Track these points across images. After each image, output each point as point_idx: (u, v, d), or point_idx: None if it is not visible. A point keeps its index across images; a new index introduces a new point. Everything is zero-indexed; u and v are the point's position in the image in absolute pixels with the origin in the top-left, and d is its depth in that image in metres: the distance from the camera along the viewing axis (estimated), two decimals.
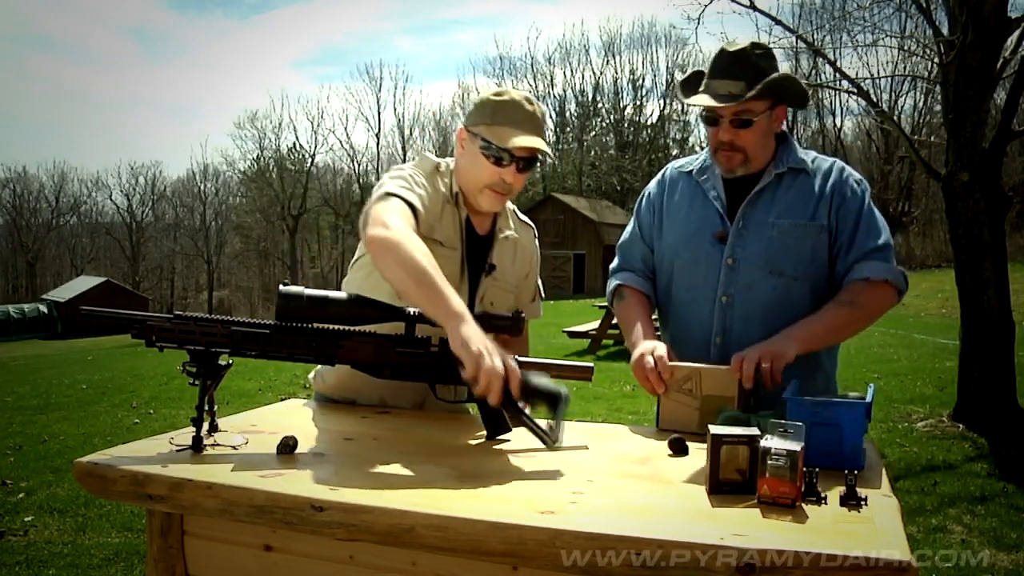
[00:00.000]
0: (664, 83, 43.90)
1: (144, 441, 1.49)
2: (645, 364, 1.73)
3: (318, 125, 63.12)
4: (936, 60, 7.38)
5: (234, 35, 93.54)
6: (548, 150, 1.78)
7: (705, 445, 1.25)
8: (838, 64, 7.81)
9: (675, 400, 1.71)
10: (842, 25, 10.97)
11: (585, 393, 7.32)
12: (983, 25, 5.55)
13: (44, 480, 4.84)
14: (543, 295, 2.08)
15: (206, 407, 1.46)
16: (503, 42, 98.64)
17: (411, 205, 1.65)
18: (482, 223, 1.88)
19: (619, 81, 44.98)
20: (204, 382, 1.45)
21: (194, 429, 1.43)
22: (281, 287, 1.49)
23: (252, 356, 1.50)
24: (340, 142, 64.72)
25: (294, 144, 48.34)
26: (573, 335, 11.98)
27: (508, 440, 1.55)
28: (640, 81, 44.69)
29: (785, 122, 1.92)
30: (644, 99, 44.92)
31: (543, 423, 1.52)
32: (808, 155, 1.90)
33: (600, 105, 45.70)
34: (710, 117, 1.82)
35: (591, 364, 1.63)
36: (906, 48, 11.52)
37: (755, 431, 1.24)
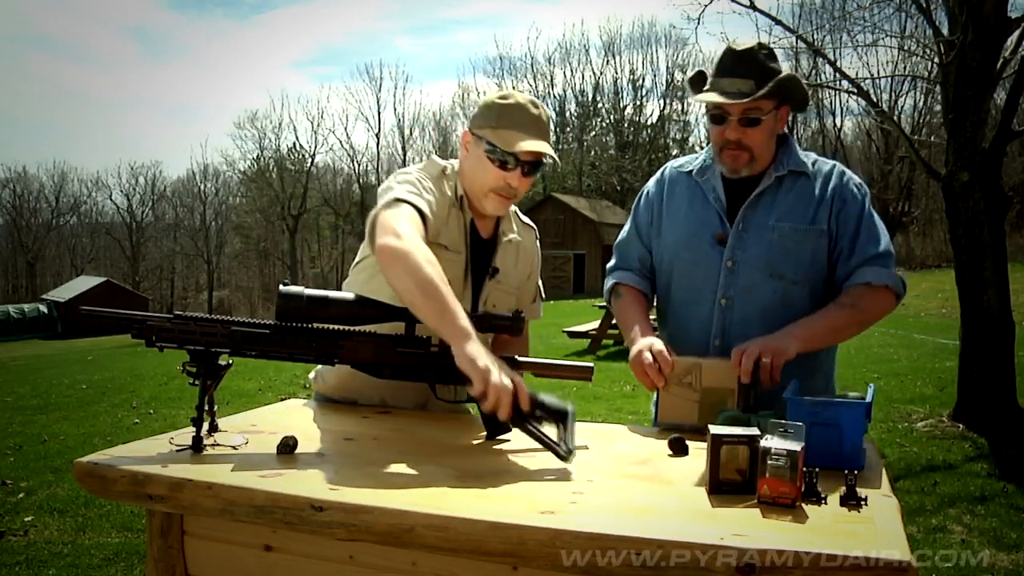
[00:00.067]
0: (664, 83, 43.99)
1: (144, 441, 1.49)
2: (644, 360, 1.73)
3: (318, 125, 63.10)
4: (936, 60, 7.38)
5: (234, 35, 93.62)
6: (553, 154, 1.77)
7: (705, 445, 1.25)
8: (838, 64, 7.81)
9: (675, 394, 1.71)
10: (842, 25, 10.97)
11: (585, 393, 7.32)
12: (983, 25, 5.55)
13: (44, 480, 4.84)
14: (543, 296, 2.08)
15: (206, 407, 1.46)
16: (503, 42, 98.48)
17: (420, 212, 1.64)
18: (486, 226, 1.87)
19: (619, 81, 45.04)
20: (204, 382, 1.45)
21: (194, 429, 1.43)
22: (281, 287, 1.49)
23: (252, 356, 1.50)
24: (340, 142, 64.69)
25: (294, 144, 48.41)
26: (573, 335, 11.98)
27: (508, 440, 1.56)
28: (640, 81, 44.74)
29: (786, 123, 1.92)
30: (644, 99, 44.98)
31: (552, 434, 1.51)
32: (808, 157, 1.90)
33: (600, 105, 45.73)
34: (717, 115, 1.81)
35: (591, 364, 1.63)
36: (906, 48, 11.51)
37: (755, 431, 1.24)
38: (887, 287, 1.79)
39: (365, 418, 1.77)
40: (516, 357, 1.59)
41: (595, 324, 11.43)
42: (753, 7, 7.20)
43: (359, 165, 47.77)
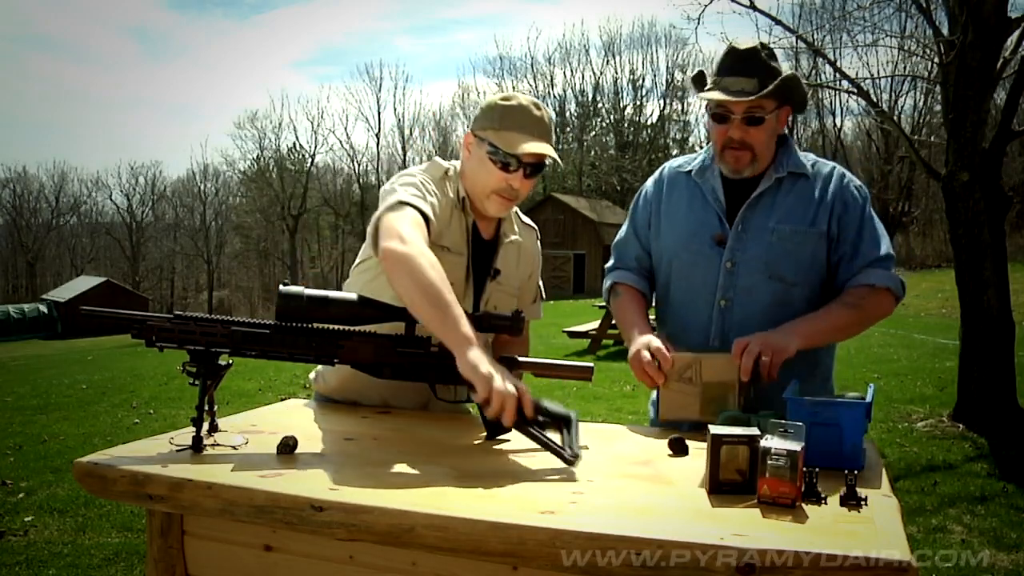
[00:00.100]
0: (664, 83, 43.98)
1: (144, 441, 1.49)
2: (642, 358, 1.73)
3: (318, 125, 63.02)
4: (936, 60, 7.38)
5: (234, 35, 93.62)
6: (556, 156, 1.77)
7: (705, 444, 1.25)
8: (838, 64, 7.82)
9: (675, 390, 1.71)
10: (842, 25, 10.97)
11: (585, 393, 7.32)
12: (983, 25, 5.55)
13: (44, 480, 4.84)
14: (544, 296, 2.08)
15: (206, 407, 1.46)
16: (503, 42, 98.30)
17: (424, 215, 1.64)
18: (487, 227, 1.87)
19: (619, 81, 45.01)
20: (204, 382, 1.45)
21: (194, 429, 1.43)
22: (281, 287, 1.49)
23: (252, 356, 1.50)
24: (340, 142, 64.62)
25: (294, 144, 48.38)
26: (573, 335, 11.98)
27: (508, 440, 1.55)
28: (640, 81, 44.72)
29: (785, 124, 1.92)
30: (644, 99, 44.95)
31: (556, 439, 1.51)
32: (807, 159, 1.90)
33: (600, 105, 45.71)
34: (719, 114, 1.81)
35: (591, 364, 1.63)
36: (906, 48, 11.53)
37: (755, 431, 1.24)
38: (888, 289, 1.80)
39: (365, 418, 1.77)
40: (516, 357, 1.60)
41: (595, 324, 11.43)
42: (753, 7, 7.20)
43: (359, 165, 47.81)
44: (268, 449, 1.44)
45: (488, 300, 1.85)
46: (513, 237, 1.92)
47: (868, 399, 1.42)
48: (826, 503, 1.18)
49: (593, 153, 45.16)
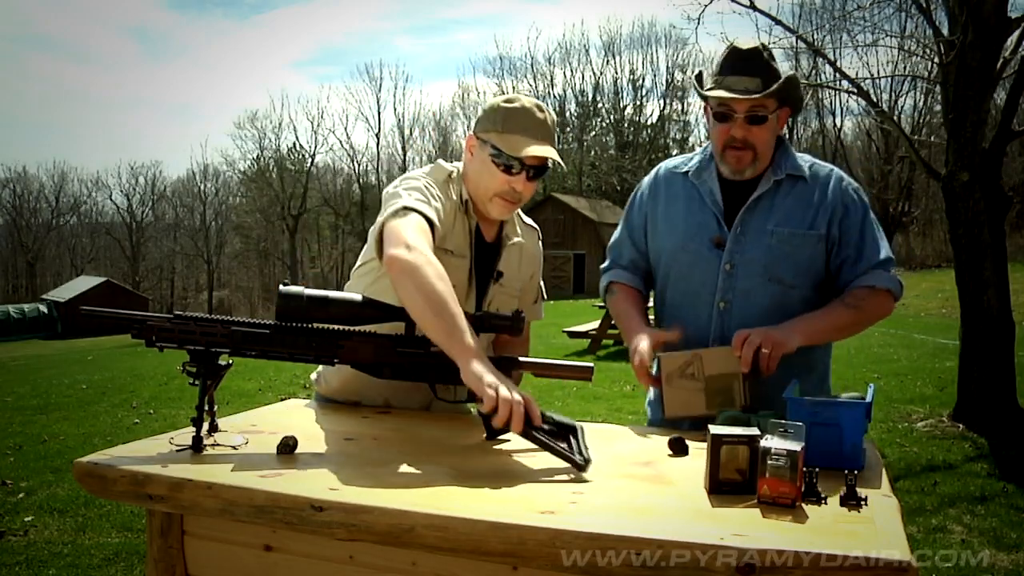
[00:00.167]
0: (664, 83, 44.00)
1: (144, 441, 1.49)
2: (634, 364, 1.79)
3: (318, 125, 63.01)
4: (936, 60, 7.39)
5: (234, 35, 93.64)
6: (559, 159, 1.77)
7: (705, 444, 1.25)
8: (838, 64, 7.82)
9: (679, 387, 1.72)
10: (842, 25, 10.96)
11: (585, 393, 7.32)
12: (983, 25, 5.55)
13: (44, 480, 4.84)
14: (545, 296, 2.07)
15: (206, 407, 1.46)
16: (503, 42, 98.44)
17: (429, 220, 1.64)
18: (489, 230, 1.87)
19: (619, 81, 45.02)
20: (204, 382, 1.45)
21: (194, 429, 1.43)
22: (281, 287, 1.49)
23: (252, 356, 1.50)
24: (340, 142, 64.63)
25: (294, 144, 48.38)
26: (573, 335, 11.98)
27: (508, 440, 1.55)
28: (640, 81, 44.73)
29: (784, 125, 1.92)
30: (644, 99, 44.97)
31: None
32: (804, 160, 1.90)
33: (600, 105, 45.72)
34: (722, 113, 1.81)
35: (591, 364, 1.63)
36: (906, 48, 11.54)
37: (755, 431, 1.24)
38: (888, 291, 1.82)
39: (365, 418, 1.77)
40: (516, 357, 1.60)
41: (595, 324, 11.43)
42: (753, 7, 7.20)
43: (359, 165, 47.82)
44: (268, 449, 1.44)
45: (491, 302, 1.85)
46: (516, 239, 1.91)
47: (868, 399, 1.42)
48: (826, 503, 1.18)
49: (593, 153, 45.17)
